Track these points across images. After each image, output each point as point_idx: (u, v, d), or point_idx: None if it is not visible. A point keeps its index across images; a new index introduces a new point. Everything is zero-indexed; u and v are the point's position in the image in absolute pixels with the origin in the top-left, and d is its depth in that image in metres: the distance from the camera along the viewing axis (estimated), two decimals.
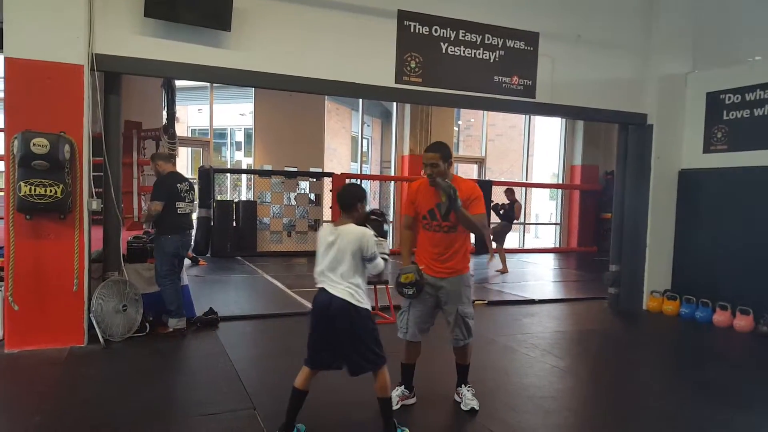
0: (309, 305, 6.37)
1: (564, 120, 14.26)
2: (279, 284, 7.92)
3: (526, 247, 14.65)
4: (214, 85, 12.05)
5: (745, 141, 6.33)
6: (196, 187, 12.87)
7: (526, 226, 15.84)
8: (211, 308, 5.59)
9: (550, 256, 13.34)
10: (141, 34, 4.74)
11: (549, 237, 16.13)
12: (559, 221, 14.99)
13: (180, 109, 12.87)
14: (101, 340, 4.60)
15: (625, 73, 6.79)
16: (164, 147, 7.03)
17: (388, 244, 3.22)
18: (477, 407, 3.52)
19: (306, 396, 2.98)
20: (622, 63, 6.77)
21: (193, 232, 5.82)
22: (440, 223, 3.40)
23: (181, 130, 14.90)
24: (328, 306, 2.89)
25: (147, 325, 5.01)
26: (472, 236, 3.91)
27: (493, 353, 4.84)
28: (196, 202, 6.07)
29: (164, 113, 6.95)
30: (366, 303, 2.94)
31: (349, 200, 2.99)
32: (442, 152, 3.35)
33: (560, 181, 14.93)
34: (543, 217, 18.78)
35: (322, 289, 2.95)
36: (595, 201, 14.19)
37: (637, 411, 3.76)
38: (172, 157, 5.30)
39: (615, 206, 7.26)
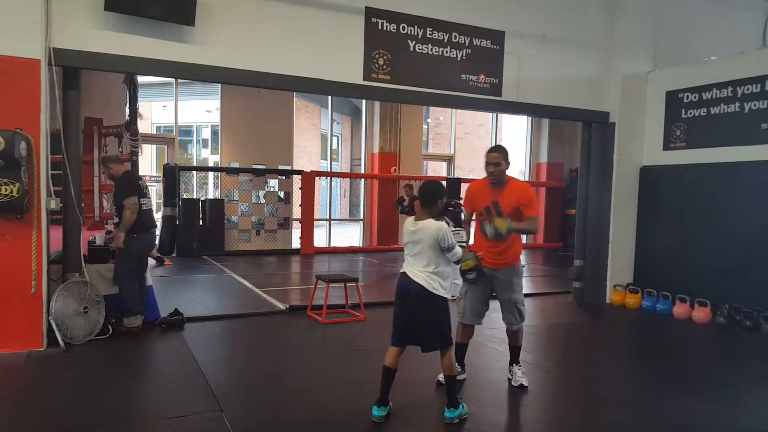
0: (278, 304, 6.39)
1: (530, 118, 14.49)
2: (247, 284, 7.82)
3: None
4: (179, 81, 11.80)
5: (702, 138, 6.55)
6: (158, 184, 12.68)
7: None
8: (176, 309, 5.48)
9: None
10: (101, 28, 4.60)
11: None
12: None
13: (144, 106, 12.56)
14: (61, 343, 4.46)
15: (588, 72, 6.94)
16: (126, 144, 6.86)
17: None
18: (526, 384, 3.91)
19: (395, 373, 3.28)
20: (585, 62, 6.92)
21: (157, 231, 5.73)
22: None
23: (145, 126, 14.54)
24: (408, 290, 3.25)
25: (110, 327, 4.89)
26: None
27: None
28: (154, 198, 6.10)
29: (127, 109, 6.75)
30: (442, 291, 3.24)
31: (432, 197, 3.31)
32: (503, 153, 3.80)
33: (527, 179, 15.15)
34: None
35: (404, 274, 3.30)
36: (561, 198, 14.49)
37: (603, 401, 3.86)
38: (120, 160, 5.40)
39: (579, 203, 7.43)
